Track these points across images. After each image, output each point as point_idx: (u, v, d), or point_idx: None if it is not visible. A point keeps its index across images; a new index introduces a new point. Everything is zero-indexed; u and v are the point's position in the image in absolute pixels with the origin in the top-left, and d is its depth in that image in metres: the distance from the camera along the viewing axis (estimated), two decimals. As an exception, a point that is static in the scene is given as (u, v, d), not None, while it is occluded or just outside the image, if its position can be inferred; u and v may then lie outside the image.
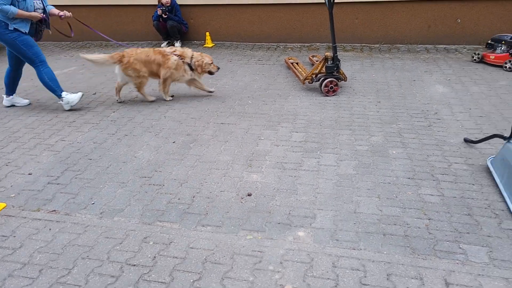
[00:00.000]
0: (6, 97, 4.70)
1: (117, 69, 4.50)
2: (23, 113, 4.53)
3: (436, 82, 4.99)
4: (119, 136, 3.88)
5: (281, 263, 2.22)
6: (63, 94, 4.45)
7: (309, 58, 5.99)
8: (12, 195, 2.96)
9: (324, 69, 4.64)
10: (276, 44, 7.20)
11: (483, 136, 3.34)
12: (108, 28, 7.49)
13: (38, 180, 3.15)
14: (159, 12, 6.85)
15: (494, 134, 3.16)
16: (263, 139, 3.68)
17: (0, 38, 4.12)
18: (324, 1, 4.59)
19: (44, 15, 4.23)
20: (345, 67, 5.63)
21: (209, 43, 7.27)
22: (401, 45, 6.67)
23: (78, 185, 3.06)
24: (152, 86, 5.05)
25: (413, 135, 3.63)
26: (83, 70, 6.16)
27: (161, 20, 6.97)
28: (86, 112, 4.49)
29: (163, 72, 4.50)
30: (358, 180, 2.98)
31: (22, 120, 4.35)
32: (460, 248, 2.28)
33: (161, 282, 2.12)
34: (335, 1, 4.49)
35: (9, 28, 4.04)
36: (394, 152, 3.36)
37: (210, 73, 4.73)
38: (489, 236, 2.36)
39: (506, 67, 5.23)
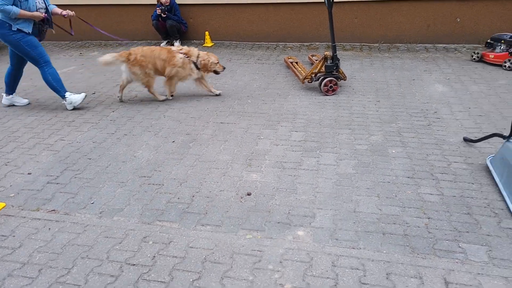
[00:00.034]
0: (6, 96, 4.69)
1: (123, 67, 4.50)
2: (22, 113, 4.53)
3: (436, 81, 4.99)
4: (118, 135, 3.88)
5: (280, 262, 2.22)
6: (67, 94, 4.46)
7: (309, 57, 5.99)
8: (12, 195, 2.96)
9: (323, 68, 4.64)
10: (276, 43, 7.20)
11: (483, 135, 3.35)
12: (108, 27, 7.44)
13: (38, 179, 3.15)
14: (158, 11, 6.84)
15: (494, 133, 3.16)
16: (262, 139, 3.68)
17: (4, 39, 4.12)
18: (323, 0, 4.58)
19: (46, 15, 4.22)
20: (345, 66, 5.62)
21: (208, 43, 7.26)
22: (400, 44, 6.67)
23: (77, 184, 3.06)
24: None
25: (413, 134, 3.63)
26: (82, 70, 6.15)
27: (160, 19, 6.96)
28: (85, 112, 4.49)
29: (168, 70, 4.48)
30: (358, 179, 2.98)
31: (22, 119, 4.35)
32: (459, 247, 2.28)
33: (161, 282, 2.12)
34: (335, 0, 4.49)
35: (13, 29, 4.04)
36: (393, 151, 3.36)
37: (216, 72, 4.72)
38: (488, 235, 2.36)
39: (505, 66, 5.23)
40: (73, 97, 4.47)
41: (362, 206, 2.67)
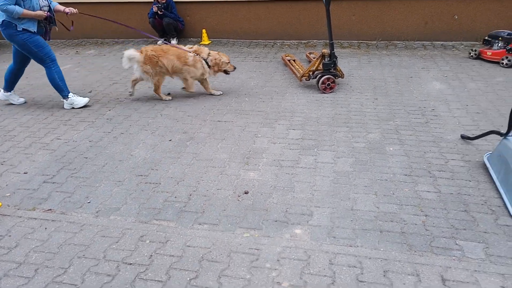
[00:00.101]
0: (4, 92, 4.67)
1: (136, 65, 4.45)
2: (18, 112, 4.51)
3: (433, 78, 4.99)
4: (115, 134, 3.86)
5: (278, 260, 2.22)
6: (70, 95, 4.46)
7: (306, 55, 5.98)
8: (8, 194, 2.95)
9: (321, 66, 4.63)
10: (273, 41, 7.18)
11: (480, 133, 3.34)
12: (105, 25, 7.43)
13: (34, 179, 3.14)
14: (155, 9, 6.81)
15: (491, 131, 3.16)
16: (260, 137, 3.67)
17: (11, 39, 4.09)
18: (320, -2, 4.57)
19: (49, 13, 4.19)
20: (342, 64, 5.61)
21: (205, 40, 7.24)
22: (398, 42, 6.66)
23: (74, 183, 3.04)
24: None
25: (410, 132, 3.63)
26: (78, 68, 6.12)
27: (157, 17, 6.93)
28: (81, 111, 4.47)
29: (184, 69, 4.44)
30: (355, 177, 2.97)
31: (17, 118, 4.33)
32: (456, 244, 2.28)
33: (158, 281, 2.11)
34: (332, -3, 4.48)
35: (18, 29, 4.01)
36: (391, 149, 3.36)
37: (226, 72, 4.70)
38: (485, 232, 2.36)
39: (503, 63, 5.23)
40: (77, 99, 4.49)
41: (359, 204, 2.67)
